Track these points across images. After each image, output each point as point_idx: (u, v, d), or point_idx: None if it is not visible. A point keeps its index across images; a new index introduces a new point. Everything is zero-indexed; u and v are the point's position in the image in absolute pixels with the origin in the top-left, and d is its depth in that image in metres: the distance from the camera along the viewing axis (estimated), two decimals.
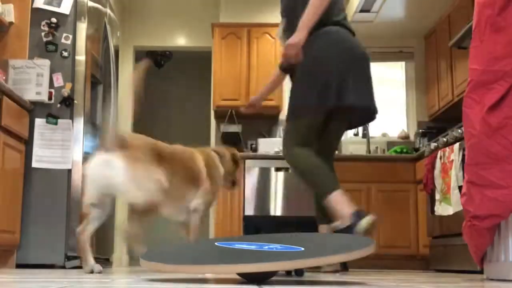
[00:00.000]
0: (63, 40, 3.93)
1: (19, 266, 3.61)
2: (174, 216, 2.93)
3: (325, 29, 3.02)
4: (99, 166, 2.40)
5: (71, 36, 3.94)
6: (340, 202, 2.78)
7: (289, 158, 3.01)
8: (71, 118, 3.86)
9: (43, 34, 3.92)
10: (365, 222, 2.67)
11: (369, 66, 3.10)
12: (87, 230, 2.53)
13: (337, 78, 2.93)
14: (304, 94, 2.99)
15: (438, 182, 4.30)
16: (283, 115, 3.33)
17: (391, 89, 6.43)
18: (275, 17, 6.01)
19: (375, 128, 6.15)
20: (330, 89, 2.91)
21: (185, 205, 2.87)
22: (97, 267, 2.53)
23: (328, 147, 3.14)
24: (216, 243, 2.00)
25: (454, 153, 4.04)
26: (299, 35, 2.98)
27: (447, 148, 4.20)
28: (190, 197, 2.86)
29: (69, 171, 3.81)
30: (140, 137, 2.66)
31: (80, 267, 3.77)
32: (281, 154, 5.06)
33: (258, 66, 5.79)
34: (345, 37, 3.06)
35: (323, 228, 3.05)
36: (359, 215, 2.70)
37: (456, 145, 4.03)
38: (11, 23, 3.93)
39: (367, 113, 3.11)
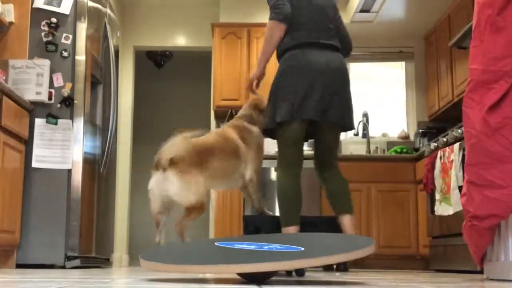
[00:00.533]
0: (63, 40, 3.93)
1: (19, 266, 3.61)
2: (233, 186, 3.35)
3: (285, 55, 3.20)
4: (158, 183, 2.93)
5: (71, 36, 3.94)
6: None
7: (276, 176, 3.28)
8: (71, 118, 3.86)
9: (43, 34, 3.92)
10: None
11: (340, 79, 3.17)
12: (162, 240, 3.04)
13: (298, 98, 3.07)
14: (268, 117, 3.22)
15: (438, 182, 4.30)
16: None
17: (391, 89, 6.43)
18: None
19: (375, 128, 6.16)
20: (289, 110, 3.07)
21: (237, 175, 3.24)
22: None
23: (326, 152, 3.29)
24: (216, 243, 2.00)
25: (454, 153, 4.04)
26: (254, 71, 3.35)
27: (447, 148, 4.20)
28: (238, 168, 3.21)
29: (69, 171, 3.81)
30: (182, 149, 3.01)
31: (80, 267, 3.77)
32: None
33: None
34: (308, 59, 3.13)
35: (343, 219, 3.19)
36: None
37: (456, 145, 4.03)
38: (11, 23, 3.93)
39: (340, 126, 3.23)
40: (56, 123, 3.81)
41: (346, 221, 3.15)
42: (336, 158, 3.34)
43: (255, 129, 3.34)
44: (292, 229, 3.08)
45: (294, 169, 3.16)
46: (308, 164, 5.35)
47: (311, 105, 3.05)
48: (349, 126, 3.22)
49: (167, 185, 2.90)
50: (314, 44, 3.16)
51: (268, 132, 3.30)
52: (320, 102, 3.06)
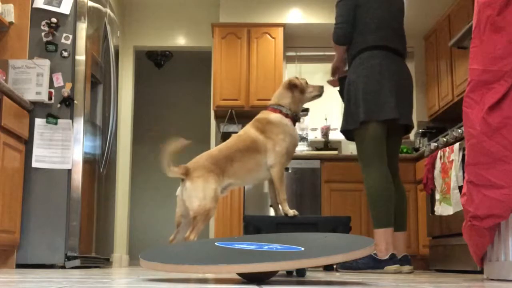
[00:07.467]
0: (63, 40, 3.93)
1: (19, 266, 3.61)
2: (260, 180, 3.34)
3: (361, 56, 3.39)
4: (181, 190, 3.10)
5: (71, 36, 3.95)
6: (383, 241, 3.26)
7: (362, 172, 3.40)
8: (71, 118, 3.86)
9: (43, 34, 3.92)
10: (393, 268, 3.24)
11: (411, 85, 3.49)
12: (176, 239, 3.11)
13: (381, 98, 3.30)
14: (348, 117, 3.42)
15: (438, 182, 4.30)
16: None
17: None
18: (275, 17, 6.03)
19: None
20: (373, 109, 3.30)
21: (263, 167, 3.23)
22: None
23: (394, 157, 3.51)
24: (216, 243, 2.00)
25: (454, 153, 4.04)
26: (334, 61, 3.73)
27: (447, 148, 4.20)
28: (261, 161, 3.22)
29: (69, 171, 3.81)
30: (197, 159, 3.16)
31: (80, 267, 3.77)
32: None
33: (258, 66, 5.78)
34: (387, 62, 3.36)
35: (398, 234, 3.39)
36: (393, 259, 3.26)
37: (456, 145, 4.03)
38: (11, 23, 3.93)
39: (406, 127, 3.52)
40: (56, 123, 3.81)
41: (401, 237, 3.40)
42: (398, 165, 3.53)
43: (274, 117, 3.25)
44: (387, 232, 3.22)
45: (384, 168, 3.31)
46: (308, 164, 5.35)
47: (392, 105, 3.27)
48: (411, 130, 3.55)
49: (183, 191, 3.08)
50: (388, 48, 3.39)
51: (345, 133, 3.50)
52: (398, 103, 3.30)
